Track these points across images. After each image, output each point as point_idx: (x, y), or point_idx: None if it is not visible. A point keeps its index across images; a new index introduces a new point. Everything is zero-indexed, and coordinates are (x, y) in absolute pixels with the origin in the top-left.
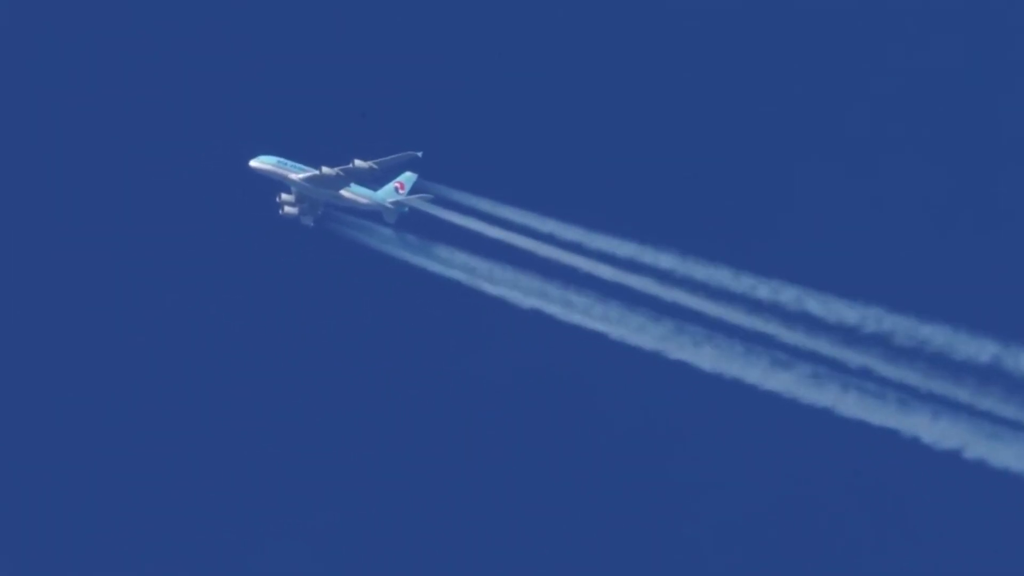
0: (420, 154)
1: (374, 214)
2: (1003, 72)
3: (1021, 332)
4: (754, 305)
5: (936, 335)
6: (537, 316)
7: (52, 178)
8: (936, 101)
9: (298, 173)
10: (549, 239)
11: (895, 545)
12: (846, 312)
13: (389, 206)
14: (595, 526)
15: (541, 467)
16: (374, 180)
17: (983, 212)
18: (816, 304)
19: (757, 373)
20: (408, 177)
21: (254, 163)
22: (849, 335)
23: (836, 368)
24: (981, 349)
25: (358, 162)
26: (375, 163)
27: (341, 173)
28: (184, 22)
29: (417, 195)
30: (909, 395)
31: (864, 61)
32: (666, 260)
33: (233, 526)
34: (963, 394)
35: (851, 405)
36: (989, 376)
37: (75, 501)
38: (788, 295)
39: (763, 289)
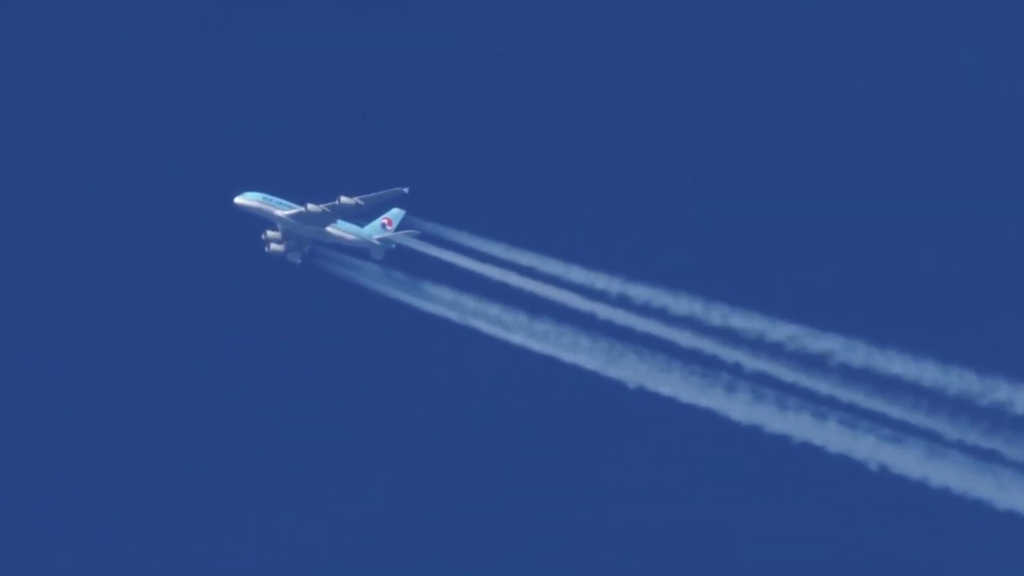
0: (407, 190)
1: (361, 251)
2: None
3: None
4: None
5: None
6: (526, 353)
7: (31, 216)
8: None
9: (284, 210)
10: (538, 275)
11: None
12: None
13: (376, 242)
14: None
15: (533, 507)
16: (361, 216)
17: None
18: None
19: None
20: (396, 213)
21: (239, 200)
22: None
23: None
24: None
25: (344, 199)
26: (361, 199)
27: (327, 209)
28: (167, 58)
29: (404, 231)
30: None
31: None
32: (678, 302)
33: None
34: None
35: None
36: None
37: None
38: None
39: (772, 332)
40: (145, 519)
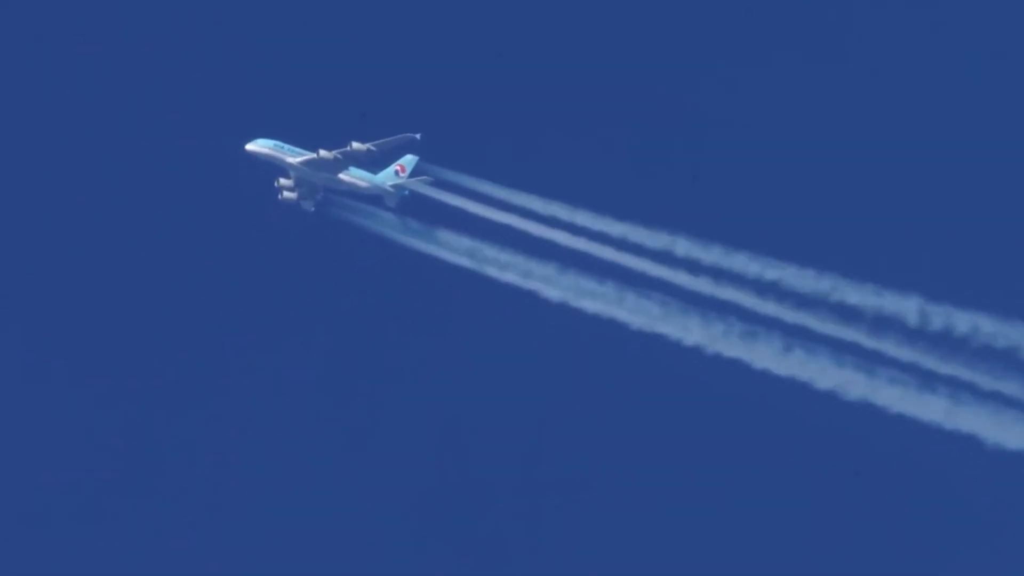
0: (418, 136)
1: (375, 198)
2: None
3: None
4: (764, 287)
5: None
6: (539, 300)
7: (49, 169)
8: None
9: (295, 157)
10: (552, 222)
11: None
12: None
13: (389, 189)
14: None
15: (548, 458)
16: (373, 163)
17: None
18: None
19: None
20: (409, 160)
21: (251, 147)
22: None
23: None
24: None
25: (355, 144)
26: (373, 145)
27: (339, 156)
28: (179, 8)
29: (417, 178)
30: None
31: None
32: (680, 244)
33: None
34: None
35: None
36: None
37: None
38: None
39: (778, 272)
40: (168, 462)
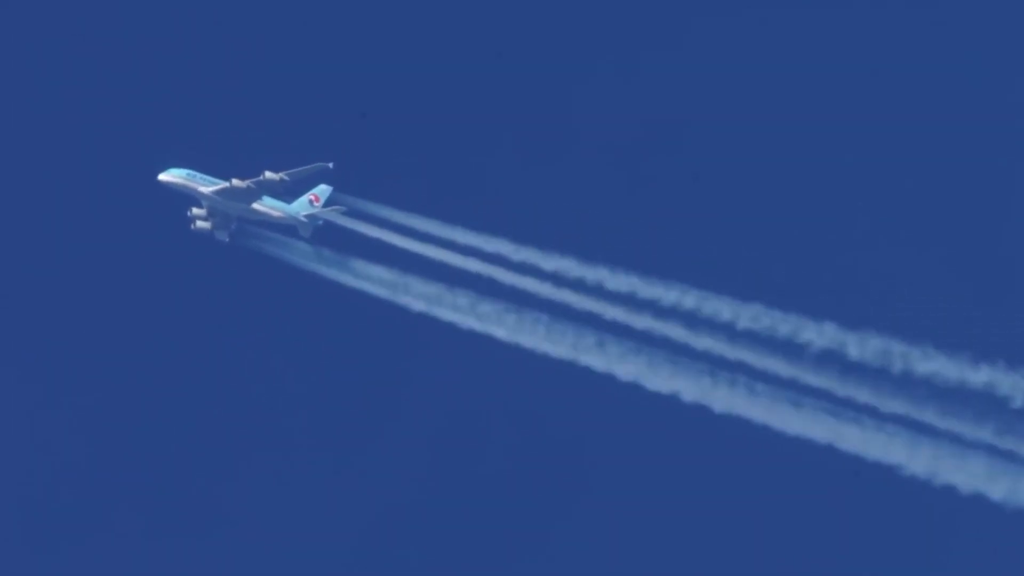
0: (331, 165)
1: (289, 228)
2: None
3: None
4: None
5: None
6: (453, 329)
7: None
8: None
9: (208, 186)
10: (464, 249)
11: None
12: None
13: (303, 219)
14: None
15: (463, 488)
16: (287, 193)
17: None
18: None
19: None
20: (323, 190)
21: (163, 176)
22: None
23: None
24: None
25: (269, 174)
26: (286, 175)
27: (252, 185)
28: (92, 31)
29: (331, 207)
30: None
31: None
32: (598, 273)
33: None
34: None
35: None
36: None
37: None
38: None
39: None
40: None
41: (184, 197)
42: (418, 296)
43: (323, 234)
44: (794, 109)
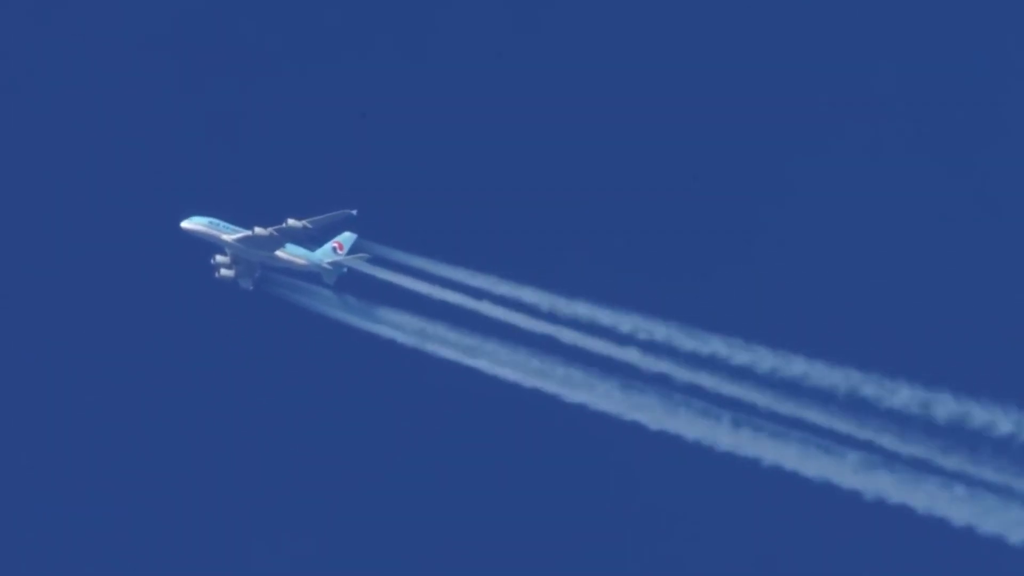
0: (355, 212)
1: (313, 275)
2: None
3: None
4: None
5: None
6: (482, 377)
7: None
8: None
9: (231, 234)
10: (490, 297)
11: None
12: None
13: (327, 267)
14: None
15: (495, 536)
16: (310, 240)
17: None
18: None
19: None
20: (347, 237)
21: (186, 224)
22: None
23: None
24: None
25: (291, 221)
26: (309, 222)
27: (275, 233)
28: (113, 78)
29: (355, 255)
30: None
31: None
32: (625, 320)
33: None
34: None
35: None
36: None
37: None
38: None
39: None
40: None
41: (207, 245)
42: (445, 343)
43: (347, 282)
44: (795, 109)
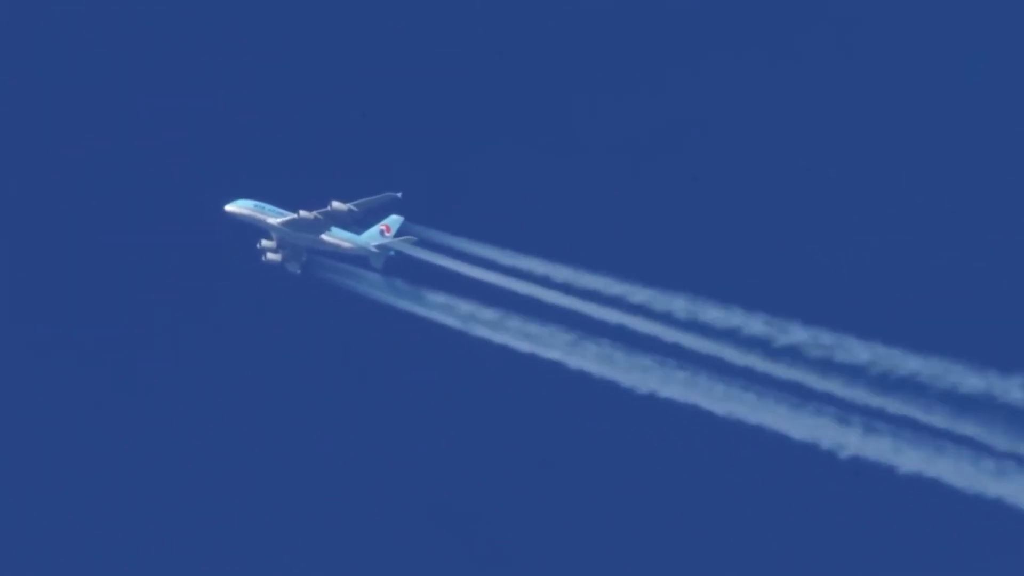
0: (400, 195)
1: (360, 259)
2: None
3: None
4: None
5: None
6: (531, 359)
7: (27, 231)
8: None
9: (276, 217)
10: (537, 279)
11: None
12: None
13: (374, 250)
14: None
15: (547, 519)
16: (356, 223)
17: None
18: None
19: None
20: (394, 220)
21: (230, 207)
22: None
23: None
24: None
25: (336, 204)
26: (354, 205)
27: (320, 216)
28: (155, 66)
29: (402, 238)
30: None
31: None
32: (676, 302)
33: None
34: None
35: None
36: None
37: None
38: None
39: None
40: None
41: (252, 228)
42: (494, 326)
43: (395, 265)
44: (794, 109)
